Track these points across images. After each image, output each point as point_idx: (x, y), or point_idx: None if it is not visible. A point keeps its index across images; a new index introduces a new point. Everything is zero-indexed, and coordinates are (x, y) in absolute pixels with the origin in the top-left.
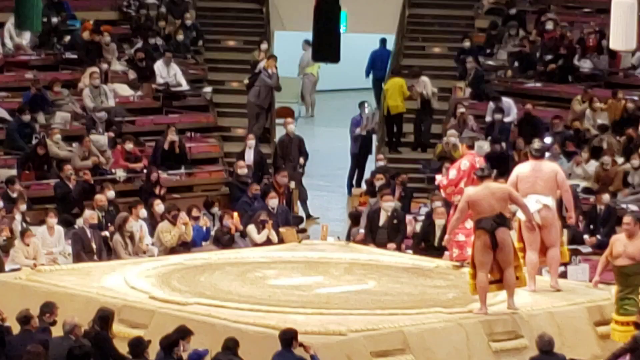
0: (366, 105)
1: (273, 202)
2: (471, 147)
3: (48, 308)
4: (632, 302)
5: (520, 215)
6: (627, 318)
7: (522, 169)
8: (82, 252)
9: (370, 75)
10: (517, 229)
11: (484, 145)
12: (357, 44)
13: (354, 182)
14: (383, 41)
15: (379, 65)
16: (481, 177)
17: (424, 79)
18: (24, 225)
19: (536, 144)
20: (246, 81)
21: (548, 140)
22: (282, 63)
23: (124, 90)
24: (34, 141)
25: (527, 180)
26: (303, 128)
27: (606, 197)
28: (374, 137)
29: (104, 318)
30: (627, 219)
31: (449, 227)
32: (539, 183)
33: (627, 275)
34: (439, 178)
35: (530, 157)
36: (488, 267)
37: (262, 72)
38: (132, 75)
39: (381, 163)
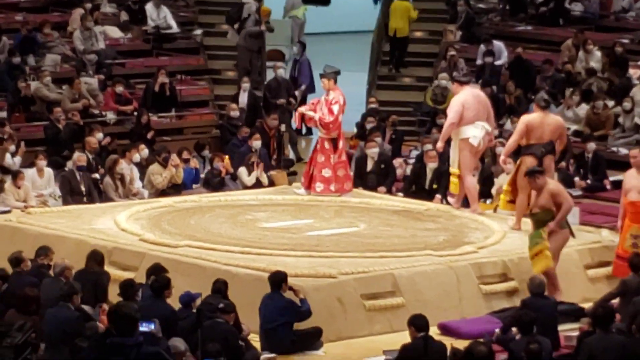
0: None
1: (256, 143)
2: (336, 81)
3: (43, 250)
4: None
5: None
6: None
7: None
8: (70, 195)
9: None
10: None
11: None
12: None
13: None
14: None
15: None
16: (544, 107)
17: None
18: (14, 162)
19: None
20: (236, 26)
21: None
22: (276, 5)
23: (114, 32)
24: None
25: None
26: None
27: (591, 145)
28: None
29: (92, 258)
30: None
31: (505, 150)
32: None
33: None
34: (315, 115)
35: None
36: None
37: (252, 15)
38: (123, 17)
39: (373, 105)
